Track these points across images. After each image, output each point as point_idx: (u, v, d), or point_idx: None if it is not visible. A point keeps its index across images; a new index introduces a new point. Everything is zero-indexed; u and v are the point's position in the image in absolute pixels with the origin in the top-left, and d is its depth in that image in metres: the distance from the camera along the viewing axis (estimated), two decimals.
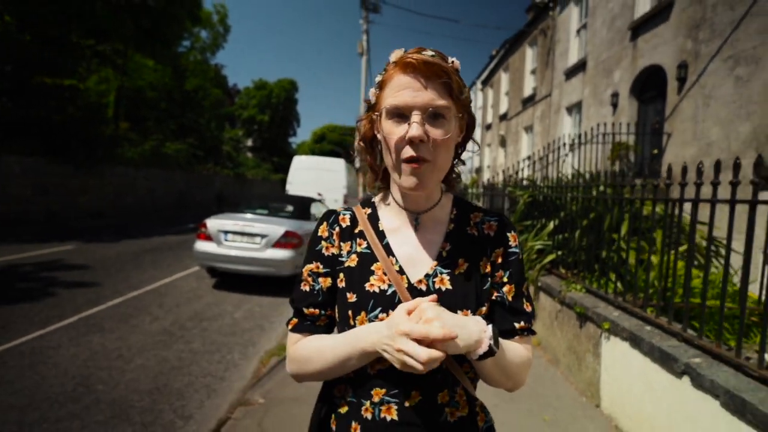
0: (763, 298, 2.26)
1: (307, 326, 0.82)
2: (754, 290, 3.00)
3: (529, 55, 13.42)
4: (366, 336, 0.70)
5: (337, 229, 0.83)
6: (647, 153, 7.09)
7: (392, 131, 0.71)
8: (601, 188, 3.76)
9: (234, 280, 6.10)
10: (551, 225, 3.91)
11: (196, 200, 22.94)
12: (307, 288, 0.82)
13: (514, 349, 0.77)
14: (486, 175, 17.84)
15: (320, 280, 0.81)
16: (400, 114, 0.71)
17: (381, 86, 0.75)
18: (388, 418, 0.73)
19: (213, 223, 5.66)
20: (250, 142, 42.25)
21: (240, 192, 29.71)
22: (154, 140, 19.77)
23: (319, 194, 11.44)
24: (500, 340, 0.72)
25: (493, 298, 0.80)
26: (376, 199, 0.87)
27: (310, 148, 44.93)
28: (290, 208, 6.69)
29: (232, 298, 5.40)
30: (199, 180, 23.75)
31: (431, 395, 0.74)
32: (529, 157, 6.16)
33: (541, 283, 3.79)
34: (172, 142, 21.62)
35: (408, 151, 0.70)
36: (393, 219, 0.83)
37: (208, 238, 5.60)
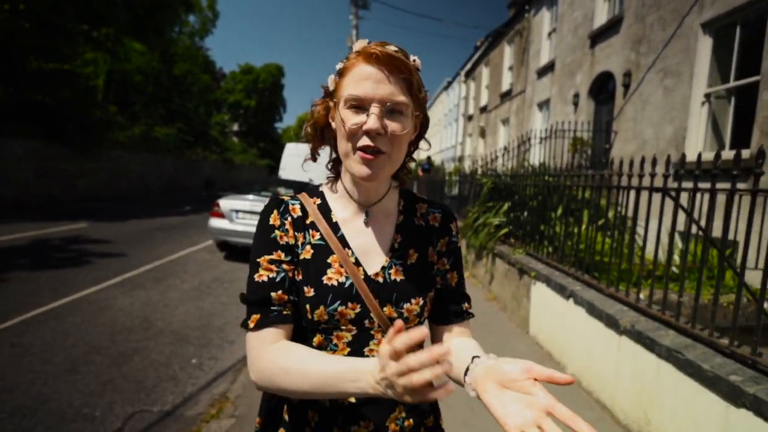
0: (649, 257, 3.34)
1: (274, 317, 0.74)
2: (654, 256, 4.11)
3: (507, 53, 14.41)
4: (364, 376, 0.61)
5: (289, 218, 0.80)
6: (600, 147, 8.22)
7: (349, 119, 0.70)
8: (546, 178, 4.81)
9: (242, 252, 7.02)
10: (506, 206, 4.97)
11: (185, 185, 23.43)
12: (271, 275, 0.75)
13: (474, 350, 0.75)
14: (467, 164, 18.93)
15: (284, 266, 0.76)
16: (360, 104, 0.70)
17: (341, 74, 0.74)
18: (346, 402, 0.76)
19: (225, 203, 6.55)
20: (236, 127, 42.34)
21: (228, 177, 30.23)
22: (143, 125, 20.16)
23: (310, 179, 12.35)
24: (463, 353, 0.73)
25: (438, 286, 0.84)
26: (324, 188, 0.86)
27: (295, 132, 45.30)
28: (290, 191, 7.61)
29: (244, 267, 6.33)
30: (188, 165, 24.18)
31: (382, 421, 0.77)
32: (505, 148, 7.19)
33: (496, 251, 4.86)
34: (161, 127, 22.02)
35: (364, 141, 0.70)
36: (344, 210, 0.82)
37: (221, 216, 6.49)
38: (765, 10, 4.75)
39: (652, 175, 2.45)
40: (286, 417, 0.79)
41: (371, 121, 0.68)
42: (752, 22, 5.07)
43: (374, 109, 0.69)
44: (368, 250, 0.80)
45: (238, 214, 6.48)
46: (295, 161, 13.97)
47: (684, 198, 2.28)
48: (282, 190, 7.27)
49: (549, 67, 10.59)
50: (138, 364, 3.09)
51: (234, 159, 32.29)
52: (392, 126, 0.70)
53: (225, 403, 2.64)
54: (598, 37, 8.28)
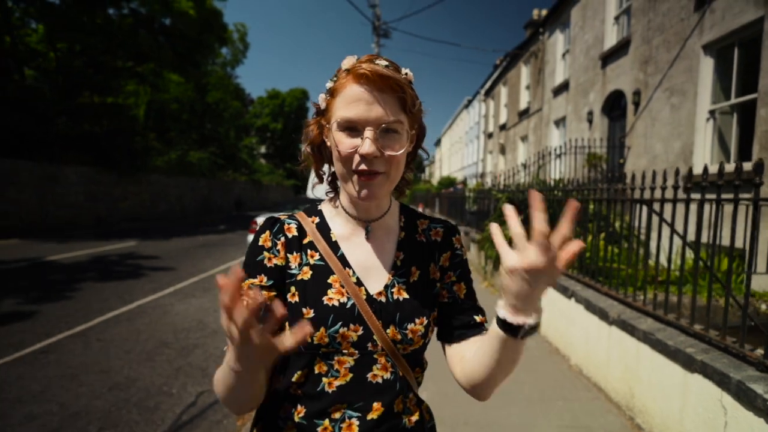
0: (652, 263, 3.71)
1: None
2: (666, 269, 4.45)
3: (524, 73, 14.90)
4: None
5: (282, 239, 0.77)
6: (615, 162, 8.52)
7: (343, 142, 0.68)
8: (556, 192, 5.23)
9: None
10: (520, 219, 5.38)
11: (217, 205, 24.67)
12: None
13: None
14: (488, 180, 19.29)
15: (264, 293, 0.72)
16: (353, 127, 0.68)
17: (332, 93, 0.71)
18: None
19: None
20: (263, 149, 44.16)
21: (257, 197, 31.54)
22: (179, 150, 21.55)
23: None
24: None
25: (446, 299, 0.80)
26: (323, 207, 0.83)
27: (303, 140, 46.75)
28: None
29: None
30: (220, 186, 25.49)
31: (390, 405, 0.73)
32: (524, 164, 7.63)
33: None
34: (195, 151, 23.44)
35: (361, 165, 0.68)
36: (343, 228, 0.79)
37: None
38: (759, 31, 5.10)
39: (652, 189, 2.79)
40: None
41: (366, 146, 0.67)
42: (749, 43, 5.41)
43: (368, 132, 0.67)
44: (369, 268, 0.77)
45: None
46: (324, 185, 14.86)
47: (694, 209, 2.57)
48: None
49: (564, 87, 11.01)
50: (200, 356, 3.66)
51: (262, 180, 33.67)
52: (388, 147, 0.69)
53: None
54: (608, 57, 8.69)
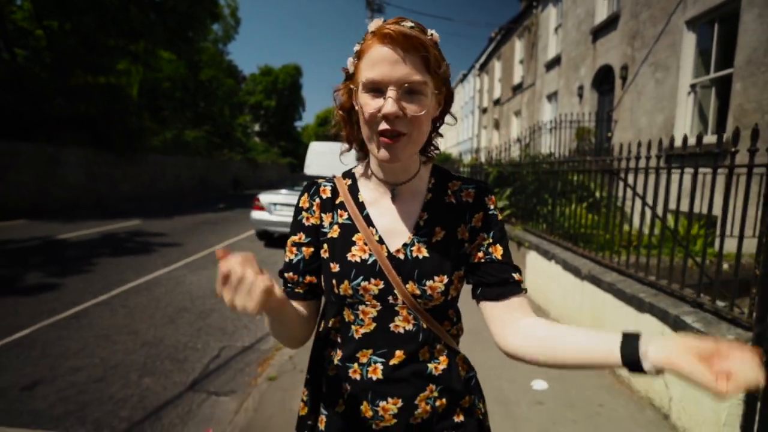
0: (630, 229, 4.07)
1: (288, 292, 0.84)
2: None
3: (518, 47, 14.95)
4: None
5: (318, 200, 0.85)
6: (603, 135, 8.82)
7: (368, 104, 0.70)
8: (544, 165, 5.55)
9: (279, 240, 7.97)
10: (509, 191, 5.74)
11: (215, 184, 24.77)
12: (291, 257, 0.85)
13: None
14: (483, 156, 19.53)
15: (303, 249, 0.84)
16: (377, 88, 0.70)
17: (359, 56, 0.73)
18: (374, 377, 0.78)
19: (264, 198, 7.51)
20: (257, 127, 43.79)
21: (252, 176, 31.60)
22: (174, 129, 21.53)
23: (334, 175, 13.29)
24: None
25: (482, 260, 0.81)
26: (356, 170, 0.88)
27: (314, 131, 46.60)
28: None
29: (281, 252, 7.19)
30: (217, 165, 25.51)
31: (414, 353, 0.78)
32: (518, 139, 7.92)
33: None
34: (190, 130, 23.40)
35: (383, 125, 0.70)
36: (372, 191, 0.84)
37: (262, 208, 7.47)
38: (737, 8, 5.32)
39: (619, 160, 3.14)
40: (324, 389, 0.84)
41: (388, 105, 0.68)
42: (728, 18, 5.64)
43: (391, 92, 0.68)
44: (392, 228, 0.81)
45: (276, 206, 7.43)
46: (319, 158, 14.97)
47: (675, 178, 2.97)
48: None
49: (556, 61, 11.16)
50: (217, 318, 4.05)
51: (257, 158, 33.63)
52: (411, 107, 0.70)
53: None
54: (598, 32, 8.86)
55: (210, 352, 3.34)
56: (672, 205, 2.95)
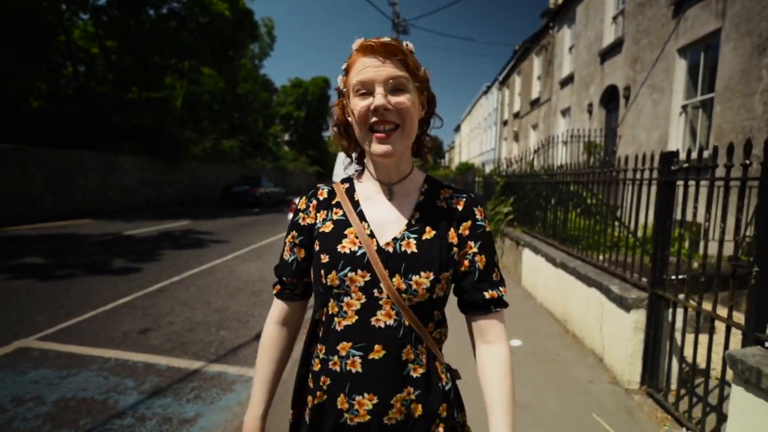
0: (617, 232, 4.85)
1: (286, 294, 0.93)
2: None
3: (536, 64, 15.70)
4: (249, 409, 0.91)
5: (314, 201, 0.90)
6: (610, 149, 9.50)
7: (358, 104, 0.78)
8: (543, 176, 6.36)
9: None
10: (512, 198, 6.58)
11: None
12: (286, 257, 0.92)
13: (504, 378, 0.82)
14: (504, 166, 20.20)
15: (296, 250, 0.90)
16: (365, 90, 0.77)
17: (347, 71, 0.82)
18: (353, 370, 0.79)
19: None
20: (287, 137, 45.72)
21: (282, 183, 33.17)
22: (212, 139, 23.23)
23: (334, 182, 14.45)
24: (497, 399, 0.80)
25: (466, 268, 0.84)
26: (354, 176, 0.95)
27: (330, 143, 48.02)
28: None
29: None
30: (249, 173, 27.15)
31: (394, 350, 0.79)
32: (535, 150, 8.68)
33: (504, 232, 6.48)
34: (227, 140, 25.10)
35: (374, 119, 0.77)
36: (367, 189, 0.89)
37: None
38: (719, 40, 6.03)
39: (590, 173, 3.96)
40: (311, 384, 0.85)
41: (378, 99, 0.76)
42: (713, 48, 6.34)
43: (378, 89, 0.76)
44: (384, 223, 0.84)
45: None
46: (349, 170, 16.20)
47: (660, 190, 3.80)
48: None
49: (569, 79, 11.89)
50: (267, 297, 5.06)
51: (287, 167, 35.25)
52: (397, 100, 0.77)
53: None
54: (606, 54, 9.59)
55: (265, 316, 4.34)
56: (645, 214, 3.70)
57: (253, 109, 28.19)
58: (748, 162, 1.98)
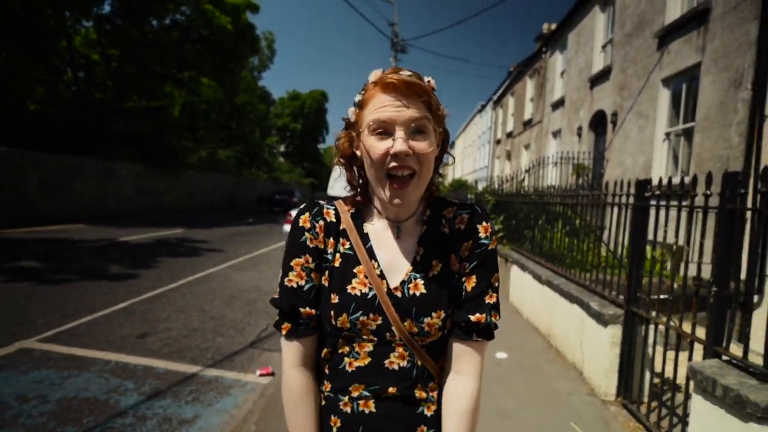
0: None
1: (302, 330, 0.81)
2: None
3: (529, 86, 16.18)
4: None
5: (321, 222, 0.83)
6: (598, 172, 9.82)
7: (375, 146, 0.73)
8: (533, 197, 6.60)
9: None
10: (502, 217, 6.80)
11: (241, 201, 26.46)
12: (300, 283, 0.80)
13: (464, 419, 0.78)
14: (496, 184, 20.55)
15: (313, 275, 0.81)
16: (384, 129, 0.73)
17: (361, 105, 0.77)
18: (366, 410, 0.78)
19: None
20: (282, 148, 46.02)
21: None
22: (208, 148, 23.40)
23: (335, 199, 14.72)
24: None
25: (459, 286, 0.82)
26: (359, 199, 0.87)
27: (335, 153, 48.51)
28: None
29: None
30: (245, 183, 27.27)
31: (408, 391, 0.78)
32: (527, 170, 8.99)
33: None
34: (223, 150, 25.29)
35: (393, 164, 0.72)
36: (376, 224, 0.84)
37: None
38: (699, 73, 6.38)
39: (575, 196, 4.21)
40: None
41: (398, 144, 0.71)
42: (695, 79, 6.69)
43: (399, 132, 0.71)
44: (393, 263, 0.81)
45: None
46: (341, 182, 16.37)
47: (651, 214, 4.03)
48: None
49: (560, 102, 12.29)
50: (262, 305, 5.18)
51: (282, 178, 35.43)
52: (418, 146, 0.72)
53: None
54: (595, 81, 9.99)
55: (260, 325, 4.46)
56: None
57: (251, 120, 28.46)
58: (709, 192, 2.20)
